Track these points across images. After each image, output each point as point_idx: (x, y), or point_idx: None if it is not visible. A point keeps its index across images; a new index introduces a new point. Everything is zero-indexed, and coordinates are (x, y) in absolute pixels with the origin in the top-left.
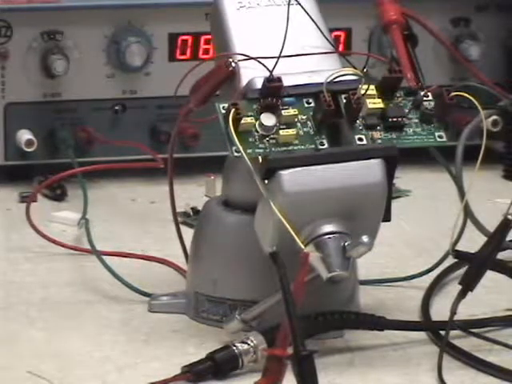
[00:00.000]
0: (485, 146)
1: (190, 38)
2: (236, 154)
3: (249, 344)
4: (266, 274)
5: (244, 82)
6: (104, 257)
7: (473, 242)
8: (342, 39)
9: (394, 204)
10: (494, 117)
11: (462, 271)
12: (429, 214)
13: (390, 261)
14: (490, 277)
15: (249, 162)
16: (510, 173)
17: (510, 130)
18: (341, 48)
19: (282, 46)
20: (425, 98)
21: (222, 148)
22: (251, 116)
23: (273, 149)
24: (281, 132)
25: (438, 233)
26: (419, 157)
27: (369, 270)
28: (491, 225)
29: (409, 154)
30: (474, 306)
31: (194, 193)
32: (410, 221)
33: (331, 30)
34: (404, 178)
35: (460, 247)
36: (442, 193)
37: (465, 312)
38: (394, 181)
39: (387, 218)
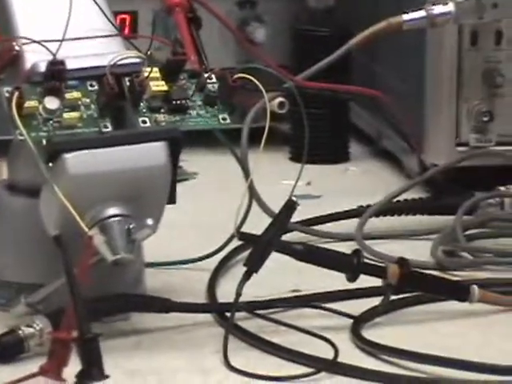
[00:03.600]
0: (271, 128)
1: None
2: (20, 137)
3: (34, 328)
4: (52, 258)
5: (28, 65)
6: None
7: (261, 224)
8: (127, 22)
9: (180, 187)
10: (280, 99)
11: (247, 253)
12: (216, 197)
13: (176, 243)
14: (275, 258)
15: (32, 145)
16: (297, 154)
17: (296, 112)
18: (127, 31)
19: (65, 29)
20: (208, 81)
21: (8, 132)
22: (35, 99)
23: (57, 132)
24: (64, 115)
25: (225, 215)
26: (207, 139)
27: (155, 252)
28: (279, 206)
29: (196, 136)
30: (260, 288)
31: None
32: (197, 203)
33: (117, 13)
34: (191, 161)
35: (248, 230)
36: (229, 175)
37: (250, 293)
38: (181, 163)
39: (172, 200)
